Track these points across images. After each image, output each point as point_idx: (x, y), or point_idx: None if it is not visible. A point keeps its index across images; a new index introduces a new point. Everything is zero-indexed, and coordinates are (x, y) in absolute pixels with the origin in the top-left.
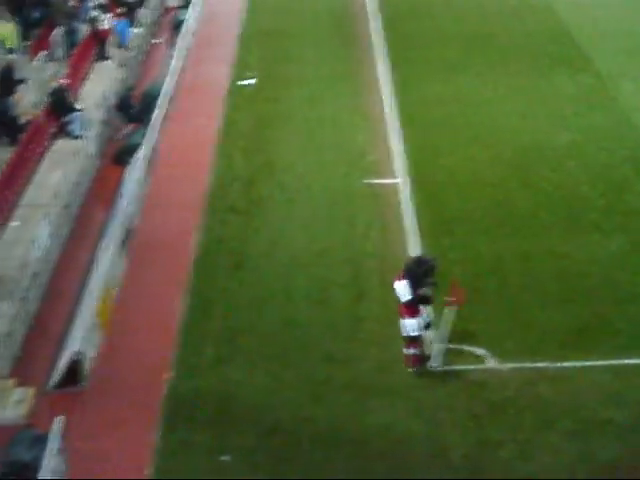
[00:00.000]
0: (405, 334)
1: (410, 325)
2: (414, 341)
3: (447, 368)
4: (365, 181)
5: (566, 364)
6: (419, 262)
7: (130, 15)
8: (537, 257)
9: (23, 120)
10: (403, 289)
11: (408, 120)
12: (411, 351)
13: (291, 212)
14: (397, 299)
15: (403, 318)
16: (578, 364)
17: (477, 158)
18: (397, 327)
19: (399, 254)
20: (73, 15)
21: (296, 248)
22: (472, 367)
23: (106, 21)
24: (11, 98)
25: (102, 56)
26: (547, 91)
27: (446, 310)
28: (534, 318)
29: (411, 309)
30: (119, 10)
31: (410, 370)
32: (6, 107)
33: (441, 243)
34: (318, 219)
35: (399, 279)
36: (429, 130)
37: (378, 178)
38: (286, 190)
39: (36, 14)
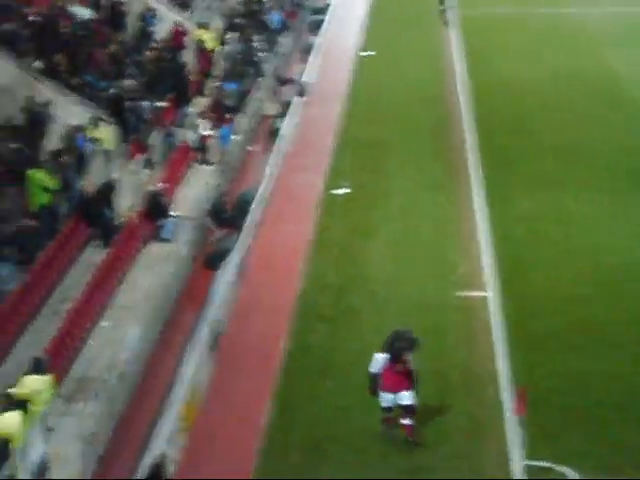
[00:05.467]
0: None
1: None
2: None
3: None
4: (455, 293)
5: None
6: (396, 337)
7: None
8: (625, 377)
9: (117, 222)
10: (375, 361)
11: (500, 233)
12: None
13: (380, 322)
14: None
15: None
16: None
17: (569, 274)
18: (484, 440)
19: (487, 367)
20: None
21: None
22: None
23: (204, 126)
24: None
25: (202, 161)
26: None
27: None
28: (620, 438)
29: (384, 382)
30: (228, 116)
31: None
32: (102, 211)
33: (530, 358)
34: None
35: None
36: (520, 244)
37: (468, 290)
38: (376, 300)
39: (133, 118)
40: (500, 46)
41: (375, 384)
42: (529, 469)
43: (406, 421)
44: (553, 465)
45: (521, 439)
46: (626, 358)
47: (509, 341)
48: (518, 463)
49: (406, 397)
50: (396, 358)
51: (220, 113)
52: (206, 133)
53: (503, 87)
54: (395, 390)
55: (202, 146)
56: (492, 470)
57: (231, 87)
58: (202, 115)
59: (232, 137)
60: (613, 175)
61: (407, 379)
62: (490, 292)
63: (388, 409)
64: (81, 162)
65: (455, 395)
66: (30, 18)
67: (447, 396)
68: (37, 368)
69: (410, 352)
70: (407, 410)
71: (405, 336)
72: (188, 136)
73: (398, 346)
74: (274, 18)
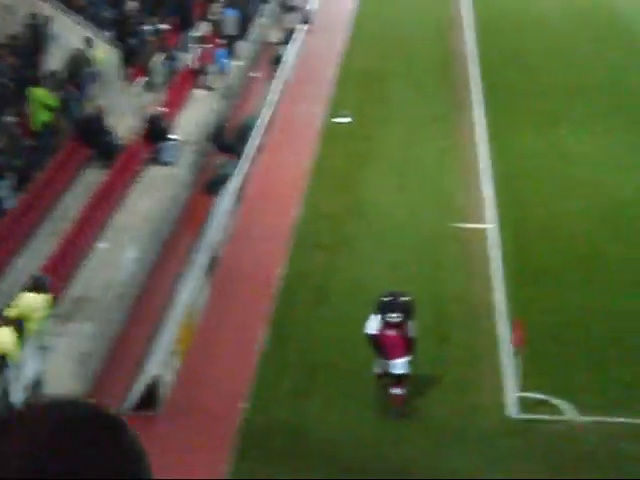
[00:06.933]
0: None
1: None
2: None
3: (525, 417)
4: (454, 225)
5: None
6: (387, 295)
7: (230, 47)
8: (624, 313)
9: (117, 143)
10: (369, 321)
11: (500, 167)
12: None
13: (377, 252)
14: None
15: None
16: None
17: (569, 211)
18: (479, 371)
19: (484, 299)
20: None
21: (380, 288)
22: (551, 418)
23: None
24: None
25: (201, 85)
26: None
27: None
28: (617, 373)
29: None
30: (219, 41)
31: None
32: (102, 131)
33: (526, 292)
34: (404, 260)
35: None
36: (521, 179)
37: (467, 222)
38: (373, 230)
39: (135, 41)
40: None
41: (375, 346)
42: (524, 401)
43: (397, 391)
44: (548, 397)
45: (516, 371)
46: (626, 295)
47: (507, 275)
48: (512, 394)
49: (399, 366)
50: (385, 320)
51: (216, 39)
52: (195, 58)
53: (509, 23)
54: (389, 356)
55: (201, 71)
56: (486, 401)
57: (231, 13)
58: (196, 40)
59: (231, 63)
60: (622, 114)
61: (403, 345)
62: (489, 224)
63: (380, 375)
64: (81, 82)
65: (451, 326)
66: None
67: (444, 327)
68: (37, 286)
69: (400, 316)
70: (399, 379)
71: (397, 299)
72: (189, 60)
73: (385, 308)
74: None
